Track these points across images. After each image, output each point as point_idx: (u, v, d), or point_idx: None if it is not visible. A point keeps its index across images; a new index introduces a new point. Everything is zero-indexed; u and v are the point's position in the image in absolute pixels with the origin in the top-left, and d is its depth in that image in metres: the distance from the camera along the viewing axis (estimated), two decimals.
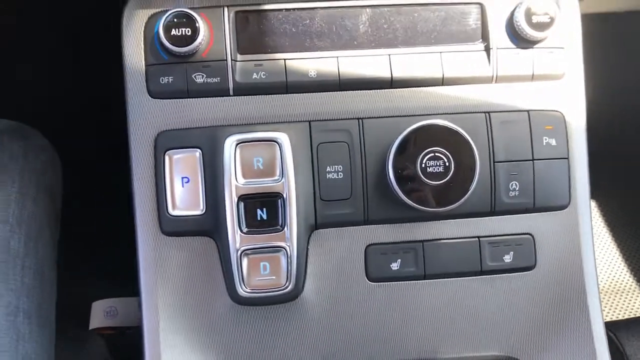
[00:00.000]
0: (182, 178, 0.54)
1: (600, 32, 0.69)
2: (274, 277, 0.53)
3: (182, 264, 0.55)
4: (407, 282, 0.56)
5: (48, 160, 0.75)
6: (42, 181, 0.72)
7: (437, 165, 0.53)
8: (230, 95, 0.54)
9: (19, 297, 0.64)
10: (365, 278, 0.56)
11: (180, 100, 0.54)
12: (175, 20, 0.52)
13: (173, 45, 0.52)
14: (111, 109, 0.96)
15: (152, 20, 0.54)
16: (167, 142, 0.54)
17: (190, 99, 0.54)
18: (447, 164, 0.53)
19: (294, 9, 0.54)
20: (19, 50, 0.94)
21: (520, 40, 0.56)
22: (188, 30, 0.52)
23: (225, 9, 0.54)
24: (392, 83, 0.55)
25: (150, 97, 0.54)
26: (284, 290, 0.53)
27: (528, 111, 0.56)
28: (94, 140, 0.99)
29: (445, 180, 0.53)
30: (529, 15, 0.55)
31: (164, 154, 0.54)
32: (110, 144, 0.99)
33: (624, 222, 1.13)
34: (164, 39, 0.52)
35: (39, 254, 0.68)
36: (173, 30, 0.52)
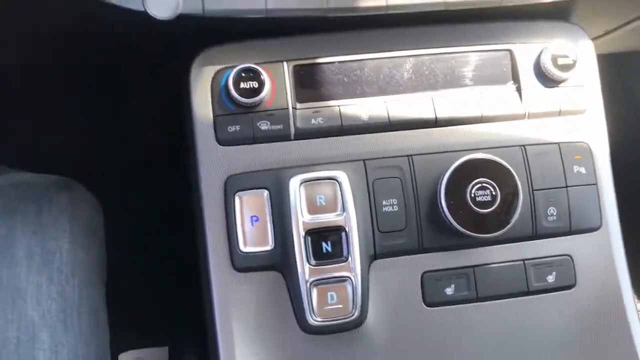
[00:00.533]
0: (252, 217, 0.58)
1: (617, 70, 0.77)
2: (341, 306, 0.57)
3: (254, 298, 0.58)
4: (461, 305, 0.60)
5: (93, 210, 0.79)
6: (89, 230, 0.76)
7: (485, 195, 0.58)
8: (291, 140, 0.59)
9: (77, 344, 0.67)
10: (423, 303, 0.60)
11: (247, 146, 0.59)
12: (243, 74, 0.58)
13: (242, 97, 0.57)
14: (151, 162, 1.01)
15: (218, 76, 0.60)
16: (236, 184, 0.59)
17: (256, 145, 0.59)
18: (493, 193, 0.58)
19: (345, 61, 0.61)
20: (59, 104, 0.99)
21: (547, 80, 0.62)
22: (255, 84, 0.57)
23: (285, 63, 0.60)
24: (436, 122, 0.61)
25: (218, 145, 0.59)
26: (351, 318, 0.57)
27: (558, 143, 0.62)
28: (133, 192, 1.03)
29: (493, 208, 0.58)
30: (554, 58, 0.61)
31: (234, 196, 0.58)
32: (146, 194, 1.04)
33: None
34: (234, 92, 0.57)
35: (92, 300, 0.72)
36: (242, 83, 0.57)
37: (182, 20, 0.53)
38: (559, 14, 0.64)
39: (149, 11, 0.51)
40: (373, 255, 0.59)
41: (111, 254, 0.80)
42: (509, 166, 0.59)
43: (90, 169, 0.89)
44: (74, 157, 0.98)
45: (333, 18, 0.57)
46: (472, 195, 0.58)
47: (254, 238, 0.58)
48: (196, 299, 0.66)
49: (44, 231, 0.70)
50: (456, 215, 0.58)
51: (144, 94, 0.94)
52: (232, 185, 0.59)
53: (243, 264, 0.58)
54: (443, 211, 0.58)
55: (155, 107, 0.96)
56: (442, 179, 0.58)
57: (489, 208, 0.58)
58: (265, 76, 0.58)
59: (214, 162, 0.59)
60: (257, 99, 0.58)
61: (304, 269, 0.57)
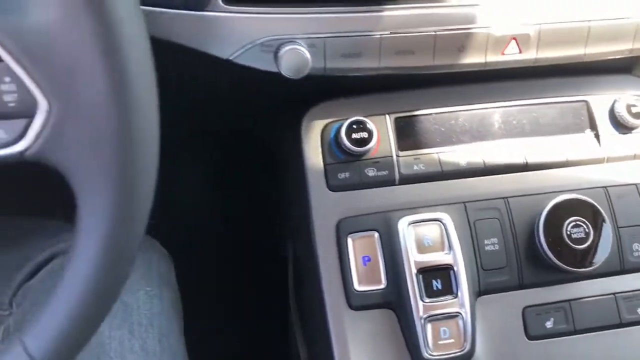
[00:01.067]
0: (364, 257, 0.62)
1: None
2: (453, 340, 0.60)
3: (369, 334, 0.61)
4: (560, 337, 0.64)
5: (164, 260, 0.82)
6: (163, 280, 0.79)
7: (579, 232, 0.63)
8: (396, 185, 0.64)
9: None
10: (525, 337, 0.63)
11: (356, 191, 0.64)
12: (354, 126, 0.63)
13: (354, 146, 0.63)
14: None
15: (327, 128, 0.65)
16: (348, 227, 0.63)
17: (364, 190, 0.64)
18: (586, 230, 0.63)
19: (441, 113, 0.66)
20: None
21: (621, 127, 0.68)
22: (365, 134, 0.63)
23: (387, 115, 0.66)
24: (526, 166, 0.66)
25: (329, 190, 0.64)
26: (463, 352, 0.60)
27: (636, 184, 0.68)
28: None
29: (587, 244, 0.62)
30: (628, 107, 0.68)
31: (347, 238, 0.63)
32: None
33: None
34: (346, 142, 0.62)
35: (172, 349, 0.74)
36: (353, 134, 0.63)
37: (306, 79, 0.58)
38: (624, 69, 0.72)
39: (282, 72, 0.57)
40: (478, 292, 0.63)
41: (184, 302, 0.82)
42: (598, 205, 0.64)
43: (161, 222, 0.93)
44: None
45: (431, 75, 0.63)
46: (568, 232, 0.62)
47: (367, 277, 0.62)
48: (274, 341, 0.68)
49: None
50: (555, 251, 0.62)
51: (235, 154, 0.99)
52: (344, 228, 0.63)
53: (358, 302, 0.61)
54: (542, 248, 0.62)
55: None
56: (540, 218, 0.63)
57: (583, 244, 0.62)
58: (373, 127, 0.63)
59: (325, 206, 0.64)
60: (366, 147, 0.63)
61: (418, 305, 0.60)
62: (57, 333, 0.38)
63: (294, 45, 0.57)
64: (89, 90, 0.33)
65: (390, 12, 0.59)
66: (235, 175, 1.03)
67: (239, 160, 1.00)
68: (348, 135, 0.63)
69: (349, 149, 0.63)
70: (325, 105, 0.66)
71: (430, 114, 0.66)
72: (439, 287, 0.61)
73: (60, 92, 0.33)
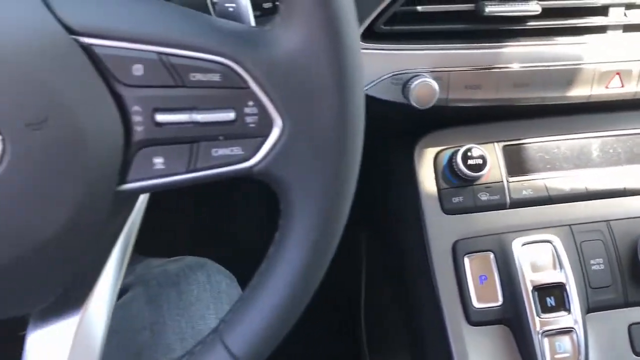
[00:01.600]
0: (480, 276, 0.67)
1: None
2: (568, 354, 0.64)
3: (487, 349, 0.65)
4: None
5: (230, 282, 0.84)
6: (231, 302, 0.81)
7: None
8: (507, 209, 0.69)
9: None
10: (632, 352, 0.67)
11: (470, 214, 0.68)
12: (468, 153, 0.68)
13: (469, 171, 0.67)
14: None
15: (440, 155, 0.70)
16: (464, 248, 0.67)
17: (477, 213, 0.68)
18: None
19: (545, 142, 0.71)
20: None
21: None
22: (480, 161, 0.68)
23: (496, 143, 0.71)
24: (625, 192, 0.71)
25: (444, 214, 0.68)
26: None
27: None
28: None
29: None
30: None
31: (464, 258, 0.67)
32: None
33: None
34: (462, 167, 0.67)
35: None
36: (469, 160, 0.68)
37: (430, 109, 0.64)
38: None
39: (412, 103, 0.62)
40: (587, 308, 0.67)
41: None
42: None
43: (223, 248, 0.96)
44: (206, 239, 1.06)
45: (539, 106, 0.69)
46: None
47: (484, 295, 0.66)
48: None
49: (189, 312, 0.74)
50: None
51: None
52: (461, 249, 0.67)
53: (477, 318, 0.65)
54: None
55: None
56: None
57: None
58: (486, 154, 0.68)
59: (441, 229, 0.68)
60: (480, 173, 0.68)
61: (535, 321, 0.64)
62: (258, 334, 0.41)
63: (423, 79, 0.62)
64: (319, 110, 0.37)
65: (509, 49, 0.64)
66: None
67: None
68: (464, 161, 0.67)
69: (464, 175, 0.68)
70: (437, 134, 0.71)
71: (536, 142, 0.71)
72: (553, 303, 0.65)
73: (295, 113, 0.38)
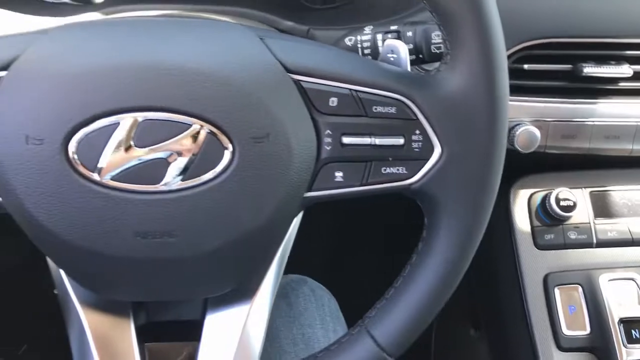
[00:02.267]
0: (570, 307, 0.74)
1: None
2: None
3: None
4: None
5: (330, 297, 0.92)
6: (333, 315, 0.87)
7: None
8: (594, 247, 0.76)
9: None
10: None
11: (560, 250, 0.76)
12: (560, 196, 0.76)
13: (562, 211, 0.75)
14: None
15: (533, 196, 0.78)
16: (555, 280, 0.75)
17: (567, 250, 0.76)
18: None
19: (628, 190, 0.79)
20: None
21: None
22: (571, 202, 0.76)
23: (583, 189, 0.79)
24: None
25: (537, 250, 0.76)
26: None
27: None
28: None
29: None
30: None
31: (554, 289, 0.74)
32: None
33: None
34: (556, 208, 0.75)
35: None
36: (561, 202, 0.76)
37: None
38: None
39: (518, 148, 0.71)
40: None
41: None
42: None
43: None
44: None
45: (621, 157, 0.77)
46: None
47: (573, 324, 0.73)
48: None
49: (299, 320, 0.82)
50: None
51: None
52: (552, 281, 0.75)
53: (566, 344, 0.72)
54: None
55: None
56: None
57: None
58: (575, 198, 0.76)
59: (534, 262, 0.76)
60: (570, 214, 0.75)
61: (622, 351, 0.71)
62: (404, 327, 0.49)
63: (526, 126, 0.71)
64: (472, 142, 0.46)
65: (602, 105, 0.73)
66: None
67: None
68: (557, 202, 0.76)
69: (556, 215, 0.76)
70: (530, 178, 0.80)
71: (620, 189, 0.79)
72: (638, 336, 0.72)
73: (452, 142, 0.47)
